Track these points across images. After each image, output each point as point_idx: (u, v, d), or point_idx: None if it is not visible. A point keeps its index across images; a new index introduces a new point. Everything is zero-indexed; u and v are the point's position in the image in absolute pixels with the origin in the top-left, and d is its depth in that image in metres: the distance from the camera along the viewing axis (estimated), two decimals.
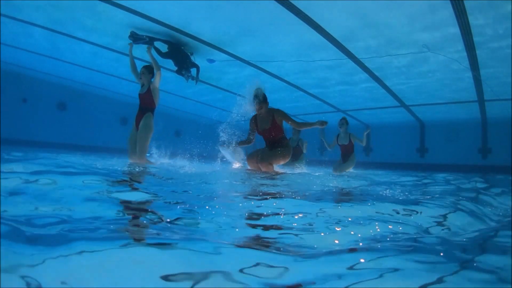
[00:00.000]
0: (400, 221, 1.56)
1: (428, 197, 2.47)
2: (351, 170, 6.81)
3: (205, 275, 0.79)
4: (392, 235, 1.31)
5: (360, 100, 8.26)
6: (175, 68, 5.81)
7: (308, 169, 6.30)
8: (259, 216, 1.62)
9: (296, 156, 7.15)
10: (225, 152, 4.78)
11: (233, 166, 4.95)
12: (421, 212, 1.75)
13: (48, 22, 5.22)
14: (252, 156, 4.53)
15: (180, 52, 5.58)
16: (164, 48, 5.56)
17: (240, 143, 4.73)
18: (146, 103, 4.82)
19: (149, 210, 1.62)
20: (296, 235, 1.28)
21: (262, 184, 2.90)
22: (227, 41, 5.36)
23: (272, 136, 4.51)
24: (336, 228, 1.41)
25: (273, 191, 2.48)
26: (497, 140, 9.07)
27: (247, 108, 4.55)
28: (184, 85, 7.41)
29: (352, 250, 1.09)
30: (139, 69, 4.94)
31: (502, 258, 1.04)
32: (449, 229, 1.53)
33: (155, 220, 1.40)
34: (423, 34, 4.43)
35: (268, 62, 6.09)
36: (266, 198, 2.06)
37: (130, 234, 1.16)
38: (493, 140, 9.28)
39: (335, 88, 7.41)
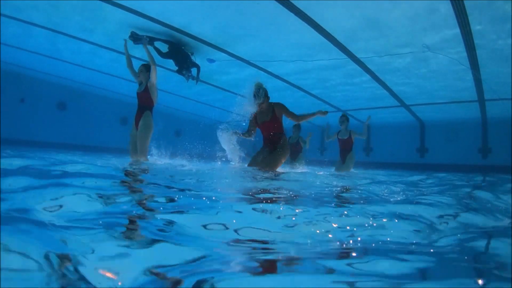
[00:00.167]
0: (400, 221, 1.56)
1: (428, 197, 2.46)
2: (351, 170, 6.80)
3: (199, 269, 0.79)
4: (389, 237, 1.31)
5: (360, 100, 8.26)
6: (176, 68, 5.81)
7: (308, 168, 6.29)
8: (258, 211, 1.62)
9: (295, 155, 7.14)
10: (222, 139, 4.56)
11: (233, 165, 4.90)
12: (421, 213, 1.75)
13: (48, 22, 5.22)
14: (254, 162, 4.46)
15: (180, 52, 5.59)
16: (164, 48, 5.56)
17: (239, 133, 4.47)
18: (145, 101, 4.82)
19: (149, 208, 1.62)
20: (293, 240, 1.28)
21: (264, 185, 2.90)
22: (227, 41, 5.36)
23: (272, 132, 4.46)
24: (333, 224, 1.40)
25: (273, 192, 2.47)
26: (497, 140, 9.07)
27: (247, 108, 4.49)
28: (184, 85, 7.42)
29: (350, 250, 1.09)
30: (135, 67, 4.93)
31: (502, 258, 1.04)
32: (449, 229, 1.53)
33: (155, 215, 1.40)
34: (423, 34, 4.43)
35: (268, 62, 6.09)
36: (266, 198, 2.06)
37: (130, 233, 1.16)
38: (493, 140, 9.28)
39: (336, 88, 7.42)
